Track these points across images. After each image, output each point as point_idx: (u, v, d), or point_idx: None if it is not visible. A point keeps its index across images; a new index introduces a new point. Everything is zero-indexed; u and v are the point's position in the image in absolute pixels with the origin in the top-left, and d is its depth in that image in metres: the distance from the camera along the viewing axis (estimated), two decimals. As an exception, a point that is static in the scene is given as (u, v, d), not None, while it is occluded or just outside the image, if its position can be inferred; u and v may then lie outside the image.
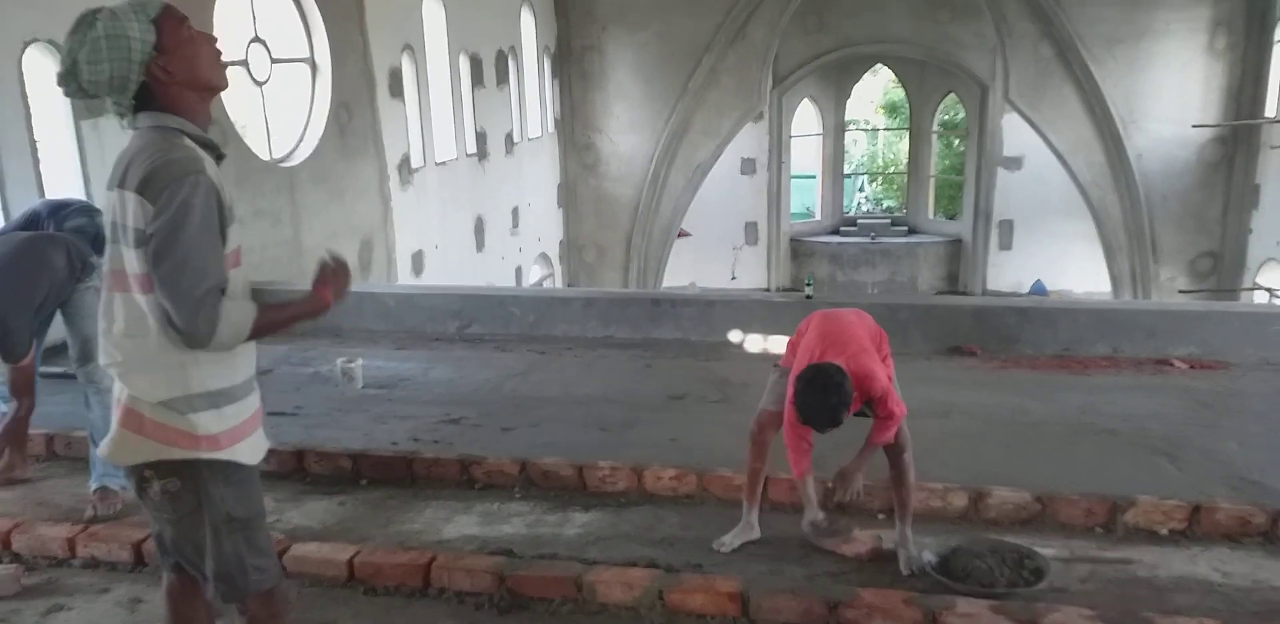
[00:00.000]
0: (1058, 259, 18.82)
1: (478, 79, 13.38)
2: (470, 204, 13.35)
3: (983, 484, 4.11)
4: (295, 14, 9.47)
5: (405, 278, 11.23)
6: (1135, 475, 4.33)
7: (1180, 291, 16.16)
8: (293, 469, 4.50)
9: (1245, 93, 15.54)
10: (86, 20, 2.14)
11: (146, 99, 2.20)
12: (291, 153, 9.42)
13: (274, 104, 9.39)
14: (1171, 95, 15.86)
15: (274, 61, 9.29)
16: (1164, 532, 3.88)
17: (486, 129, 13.71)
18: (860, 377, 3.37)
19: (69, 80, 2.16)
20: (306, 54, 9.62)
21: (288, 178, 9.02)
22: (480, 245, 13.68)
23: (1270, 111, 14.99)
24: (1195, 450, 4.67)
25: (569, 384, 5.99)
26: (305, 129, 9.60)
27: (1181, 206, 16.20)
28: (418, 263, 11.62)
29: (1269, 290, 14.68)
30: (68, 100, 6.70)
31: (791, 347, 3.87)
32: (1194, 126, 15.51)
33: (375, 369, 6.23)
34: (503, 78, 14.31)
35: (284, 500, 4.19)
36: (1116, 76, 15.92)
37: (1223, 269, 16.24)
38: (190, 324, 2.11)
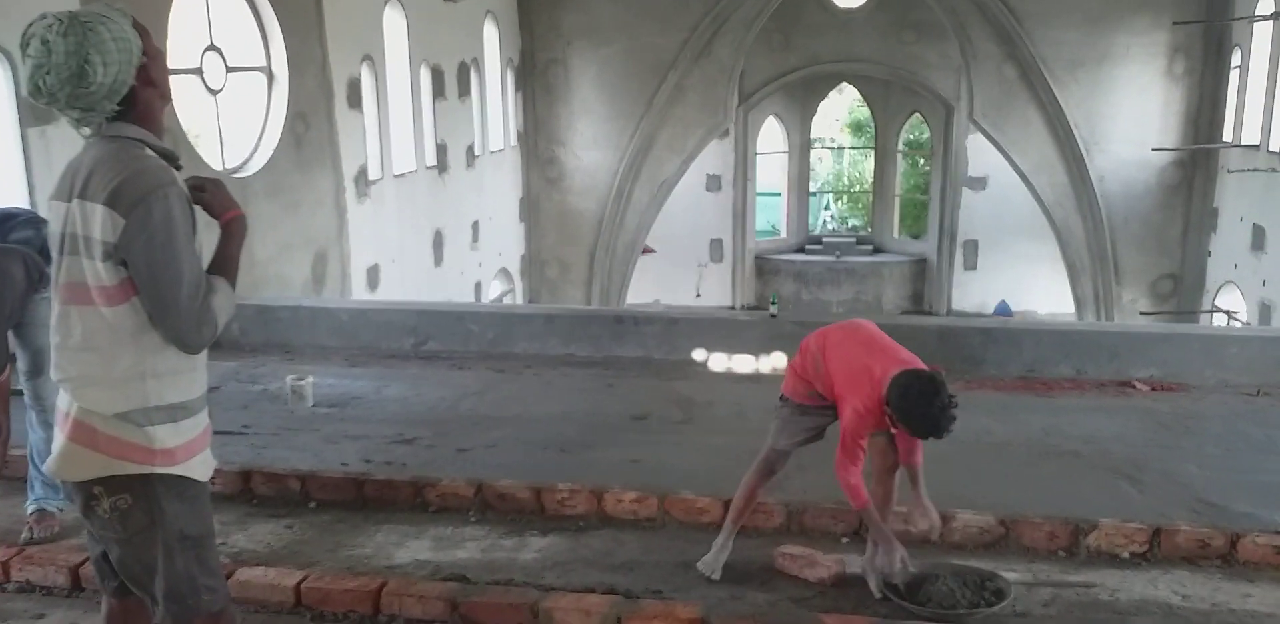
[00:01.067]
0: (1022, 279, 19.00)
1: (439, 91, 13.27)
2: (429, 217, 13.20)
3: (948, 507, 4.09)
4: (253, 22, 9.31)
5: (360, 293, 11.05)
6: (1097, 498, 4.34)
7: (1142, 313, 16.36)
8: (239, 490, 4.40)
9: (1203, 117, 15.84)
10: (79, 22, 2.10)
11: (124, 107, 2.19)
12: (245, 163, 9.23)
13: (228, 113, 9.22)
14: (1132, 118, 16.13)
15: (229, 70, 9.12)
16: (1125, 554, 3.90)
17: (447, 141, 13.59)
18: None
19: (76, 82, 2.10)
20: (263, 63, 9.46)
21: (241, 189, 8.82)
22: (439, 260, 13.52)
23: (1227, 136, 15.28)
24: (1156, 473, 4.69)
25: (528, 403, 5.90)
26: (260, 139, 9.42)
27: (1143, 228, 16.44)
28: (373, 277, 11.44)
29: (1227, 313, 14.92)
30: (14, 106, 6.52)
31: (794, 371, 3.57)
32: (1154, 150, 15.80)
33: (326, 387, 6.12)
34: (464, 90, 14.21)
35: (229, 523, 4.07)
36: (1079, 98, 16.17)
37: (1183, 291, 16.48)
38: (194, 334, 2.18)
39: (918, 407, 3.09)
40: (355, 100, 10.92)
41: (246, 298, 8.17)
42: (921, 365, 3.27)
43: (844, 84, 21.78)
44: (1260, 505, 4.24)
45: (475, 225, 14.92)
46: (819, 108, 22.01)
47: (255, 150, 9.37)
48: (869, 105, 22.06)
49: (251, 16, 9.29)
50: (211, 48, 8.90)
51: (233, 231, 2.33)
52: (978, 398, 6.28)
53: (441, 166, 13.46)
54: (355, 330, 7.60)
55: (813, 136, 22.32)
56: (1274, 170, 12.87)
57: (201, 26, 8.83)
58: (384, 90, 11.71)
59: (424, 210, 13.03)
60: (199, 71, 8.75)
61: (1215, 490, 4.43)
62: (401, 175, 12.24)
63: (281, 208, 9.41)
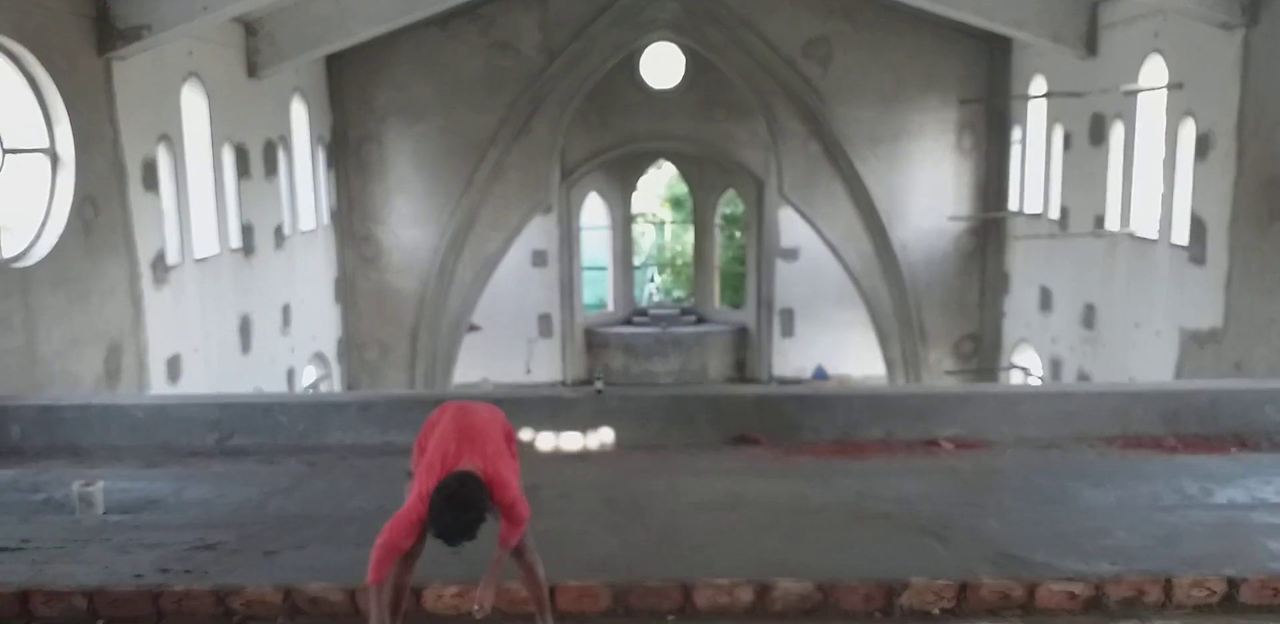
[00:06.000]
0: (837, 345, 19.91)
1: (243, 170, 12.81)
2: (235, 302, 12.57)
3: (768, 576, 4.15)
4: (33, 101, 8.73)
5: (160, 386, 10.32)
6: (908, 557, 4.47)
7: (947, 373, 17.37)
8: (16, 613, 4.07)
9: (990, 188, 17.20)
10: None
11: None
12: (26, 252, 8.56)
13: (6, 198, 8.56)
14: (928, 190, 17.31)
15: (6, 152, 8.51)
16: (936, 611, 4.04)
17: (254, 222, 13.08)
18: (496, 484, 3.42)
19: None
20: (46, 144, 8.88)
21: (20, 279, 8.17)
22: (247, 347, 12.85)
23: (1013, 205, 16.64)
24: (961, 529, 4.88)
25: (341, 498, 5.64)
26: (43, 226, 8.76)
27: (944, 293, 17.54)
28: (174, 369, 10.74)
29: (1023, 369, 16.05)
30: None
31: (421, 448, 3.71)
32: (949, 219, 17.00)
33: (119, 492, 5.68)
34: (272, 168, 13.79)
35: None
36: (879, 173, 17.26)
37: (983, 350, 17.63)
38: None
39: (436, 511, 3.25)
40: (151, 182, 10.38)
41: (27, 398, 7.54)
42: (511, 462, 3.51)
43: (661, 160, 22.59)
44: (1055, 554, 4.47)
45: (286, 308, 14.32)
46: (639, 184, 22.71)
47: (38, 238, 8.71)
48: (686, 181, 22.91)
49: (32, 94, 8.73)
50: (-15, 128, 8.30)
51: None
52: (796, 464, 6.46)
53: (248, 249, 12.92)
54: (152, 428, 7.10)
55: (634, 211, 22.96)
56: (1054, 237, 14.08)
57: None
58: (183, 170, 11.19)
59: (229, 295, 12.41)
60: (-29, 154, 8.13)
61: (1015, 543, 4.64)
62: (204, 259, 11.66)
63: (68, 299, 8.75)
